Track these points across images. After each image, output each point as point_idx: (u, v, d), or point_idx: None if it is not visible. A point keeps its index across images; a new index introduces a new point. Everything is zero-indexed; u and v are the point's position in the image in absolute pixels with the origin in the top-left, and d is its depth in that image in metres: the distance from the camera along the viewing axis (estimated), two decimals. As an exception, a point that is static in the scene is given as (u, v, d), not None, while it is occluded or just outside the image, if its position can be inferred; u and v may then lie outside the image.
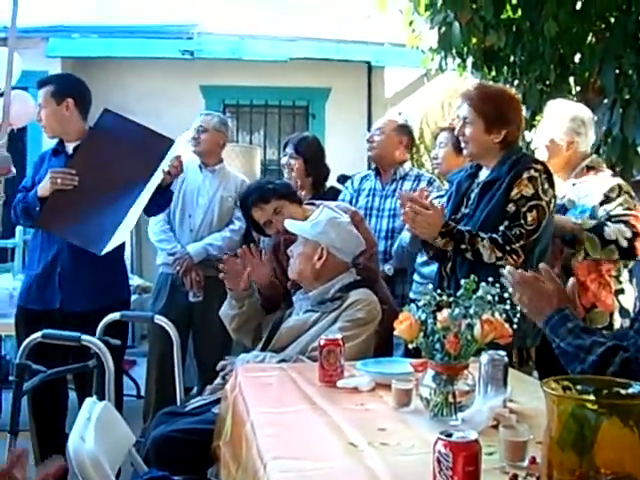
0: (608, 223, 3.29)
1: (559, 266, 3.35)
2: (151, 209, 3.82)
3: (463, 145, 3.16)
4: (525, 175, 2.95)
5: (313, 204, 3.62)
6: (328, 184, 4.60)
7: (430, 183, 4.25)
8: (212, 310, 4.33)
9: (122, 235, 3.66)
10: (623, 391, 1.32)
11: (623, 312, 3.41)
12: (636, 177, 5.60)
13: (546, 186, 2.97)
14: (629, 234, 3.28)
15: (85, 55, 7.47)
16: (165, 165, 3.57)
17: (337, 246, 3.10)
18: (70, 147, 3.73)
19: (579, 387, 1.34)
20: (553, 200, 3.03)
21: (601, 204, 3.35)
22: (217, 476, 2.50)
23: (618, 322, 3.39)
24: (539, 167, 3.00)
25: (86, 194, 3.53)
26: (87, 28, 7.48)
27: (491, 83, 3.27)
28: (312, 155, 4.42)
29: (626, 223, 3.29)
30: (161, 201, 3.77)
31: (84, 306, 3.58)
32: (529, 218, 2.91)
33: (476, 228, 2.98)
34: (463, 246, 2.93)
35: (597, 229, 3.28)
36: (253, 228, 3.74)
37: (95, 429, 2.06)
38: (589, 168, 3.48)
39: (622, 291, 3.41)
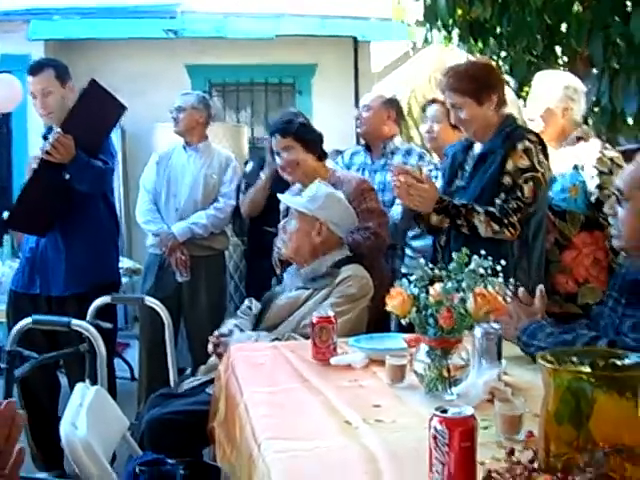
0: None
1: (552, 239, 3.34)
2: (76, 184, 3.51)
3: (464, 129, 3.15)
4: (520, 147, 2.94)
5: (332, 170, 3.69)
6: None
7: (421, 157, 4.23)
8: (200, 289, 4.38)
9: None
10: (619, 362, 1.30)
11: None
12: (624, 146, 5.60)
13: (541, 157, 2.96)
14: None
15: (68, 37, 7.38)
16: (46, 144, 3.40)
17: (335, 221, 3.09)
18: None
19: (575, 359, 1.32)
20: (547, 171, 3.02)
21: (593, 179, 3.32)
22: (213, 457, 2.49)
23: None
24: (533, 138, 2.99)
25: None
26: (68, 9, 7.38)
27: (458, 62, 3.25)
28: None
29: None
30: (79, 176, 3.48)
31: (61, 290, 3.57)
32: (526, 190, 2.90)
33: (471, 200, 2.97)
34: (459, 221, 2.92)
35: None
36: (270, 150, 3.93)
37: (87, 415, 2.04)
38: (579, 138, 3.47)
39: (612, 261, 3.39)
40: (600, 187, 3.30)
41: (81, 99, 3.48)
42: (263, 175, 4.31)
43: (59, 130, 3.38)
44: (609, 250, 3.36)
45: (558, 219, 3.33)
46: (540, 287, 2.42)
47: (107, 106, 3.63)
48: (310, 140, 3.59)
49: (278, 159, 3.61)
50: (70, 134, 3.38)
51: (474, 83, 3.03)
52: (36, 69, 3.66)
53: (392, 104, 4.41)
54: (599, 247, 3.37)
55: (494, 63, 5.45)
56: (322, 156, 3.64)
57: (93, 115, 3.54)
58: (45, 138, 3.76)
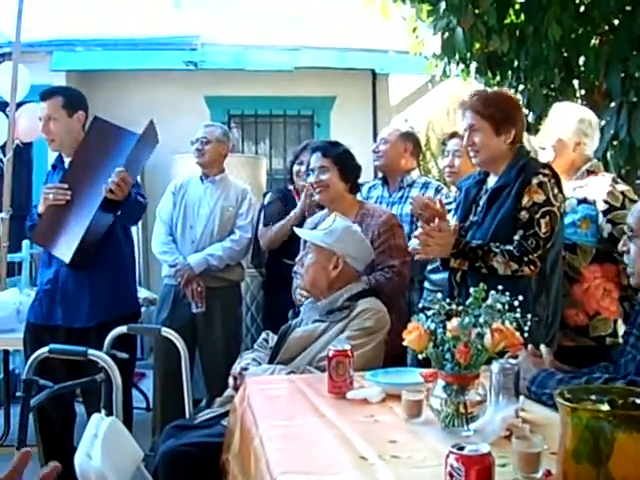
0: None
1: (561, 271, 3.32)
2: (125, 219, 3.72)
3: (472, 154, 3.10)
4: (535, 181, 2.92)
5: (362, 203, 3.73)
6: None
7: (438, 190, 4.24)
8: (215, 320, 4.38)
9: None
10: (639, 401, 1.29)
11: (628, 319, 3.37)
12: (643, 180, 5.57)
13: (556, 191, 2.95)
14: None
15: (89, 68, 7.48)
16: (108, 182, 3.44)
17: (352, 255, 3.10)
18: (68, 161, 3.73)
19: (593, 397, 1.31)
20: (563, 205, 3.01)
21: (604, 213, 3.30)
22: (227, 490, 2.48)
23: (622, 329, 3.35)
24: (547, 172, 2.97)
25: (76, 206, 3.51)
26: (91, 41, 7.49)
27: (487, 88, 3.25)
28: None
29: None
30: (128, 212, 3.64)
31: (84, 322, 3.57)
32: (542, 225, 2.88)
33: (487, 236, 2.95)
34: (477, 264, 2.90)
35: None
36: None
37: (102, 446, 2.04)
38: (589, 172, 3.45)
39: (627, 298, 3.37)
40: (612, 222, 3.28)
41: (140, 139, 3.55)
42: (293, 213, 4.30)
43: (122, 168, 3.43)
44: (628, 286, 3.35)
45: (568, 252, 3.30)
46: (542, 347, 2.43)
47: (151, 143, 3.72)
48: (348, 168, 3.61)
49: (311, 176, 3.62)
50: (127, 171, 3.44)
51: (499, 112, 3.01)
52: (46, 95, 3.72)
53: (409, 137, 4.43)
54: (609, 279, 3.35)
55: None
56: (354, 188, 3.66)
57: (142, 152, 3.65)
58: (54, 167, 3.79)
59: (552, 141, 3.46)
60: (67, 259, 3.49)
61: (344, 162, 3.60)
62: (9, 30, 4.88)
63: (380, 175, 4.56)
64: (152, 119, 3.63)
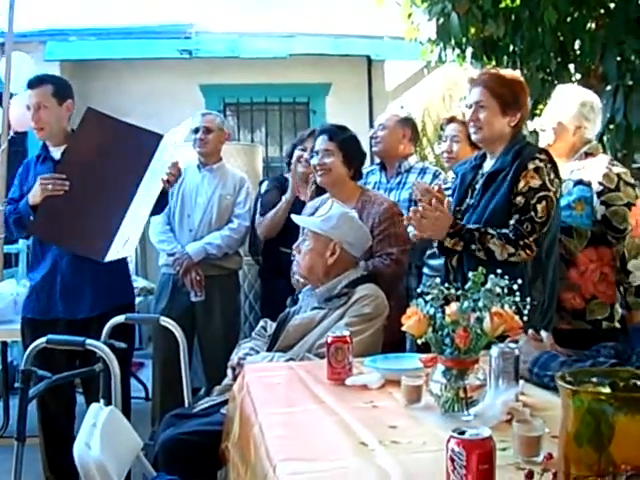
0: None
1: (557, 256, 3.31)
2: (157, 209, 3.79)
3: (474, 130, 3.06)
4: (531, 166, 2.90)
5: (364, 189, 3.71)
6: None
7: (435, 176, 4.22)
8: (214, 309, 4.38)
9: (130, 239, 3.57)
10: (640, 383, 1.28)
11: (624, 303, 3.36)
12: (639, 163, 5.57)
13: (552, 176, 2.93)
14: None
15: (83, 58, 7.45)
16: (163, 173, 3.50)
17: (349, 241, 3.09)
18: (57, 152, 3.66)
19: (595, 380, 1.30)
20: (559, 189, 2.99)
21: (599, 195, 3.29)
22: (226, 478, 2.48)
23: (619, 313, 3.34)
24: (543, 157, 2.95)
25: (78, 198, 3.46)
26: (84, 31, 7.47)
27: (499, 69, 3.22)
28: None
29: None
30: (159, 204, 3.72)
31: (87, 312, 3.56)
32: (539, 210, 2.86)
33: (482, 219, 2.94)
34: (473, 246, 2.88)
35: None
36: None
37: (101, 435, 2.03)
38: (587, 154, 3.43)
39: (622, 281, 3.37)
40: (606, 203, 3.27)
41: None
42: (284, 198, 4.29)
43: (175, 160, 3.52)
44: (620, 269, 3.34)
45: (564, 235, 3.28)
46: (542, 331, 2.44)
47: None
48: (352, 155, 3.60)
49: (315, 158, 3.62)
50: None
51: (510, 93, 3.00)
52: (35, 83, 3.66)
53: (408, 123, 4.42)
54: (605, 263, 3.34)
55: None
56: (355, 176, 3.66)
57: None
58: (38, 157, 3.74)
59: (553, 124, 3.44)
60: (103, 259, 3.43)
61: (349, 148, 3.59)
62: (1, 20, 4.85)
63: (378, 161, 4.55)
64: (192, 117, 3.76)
